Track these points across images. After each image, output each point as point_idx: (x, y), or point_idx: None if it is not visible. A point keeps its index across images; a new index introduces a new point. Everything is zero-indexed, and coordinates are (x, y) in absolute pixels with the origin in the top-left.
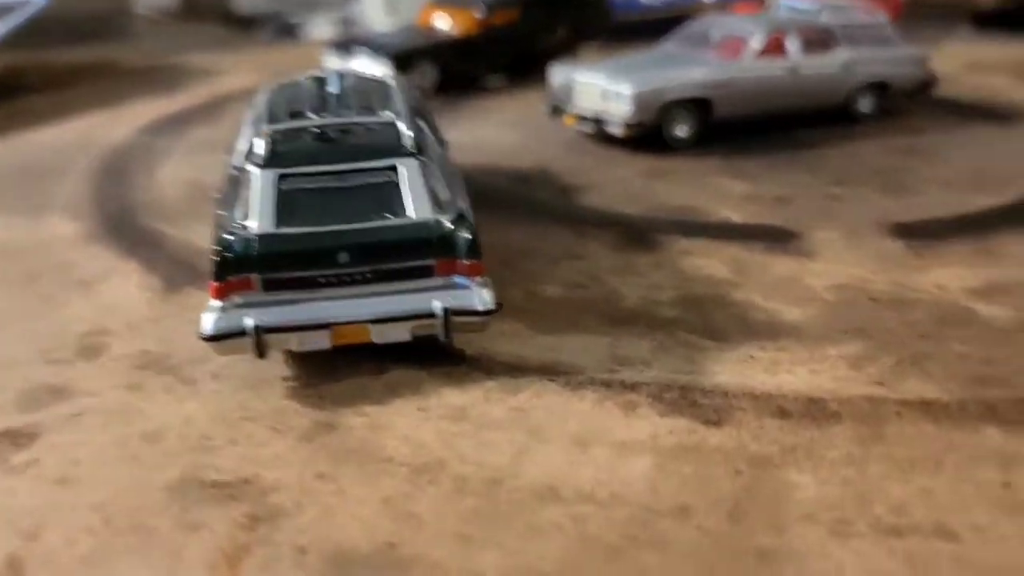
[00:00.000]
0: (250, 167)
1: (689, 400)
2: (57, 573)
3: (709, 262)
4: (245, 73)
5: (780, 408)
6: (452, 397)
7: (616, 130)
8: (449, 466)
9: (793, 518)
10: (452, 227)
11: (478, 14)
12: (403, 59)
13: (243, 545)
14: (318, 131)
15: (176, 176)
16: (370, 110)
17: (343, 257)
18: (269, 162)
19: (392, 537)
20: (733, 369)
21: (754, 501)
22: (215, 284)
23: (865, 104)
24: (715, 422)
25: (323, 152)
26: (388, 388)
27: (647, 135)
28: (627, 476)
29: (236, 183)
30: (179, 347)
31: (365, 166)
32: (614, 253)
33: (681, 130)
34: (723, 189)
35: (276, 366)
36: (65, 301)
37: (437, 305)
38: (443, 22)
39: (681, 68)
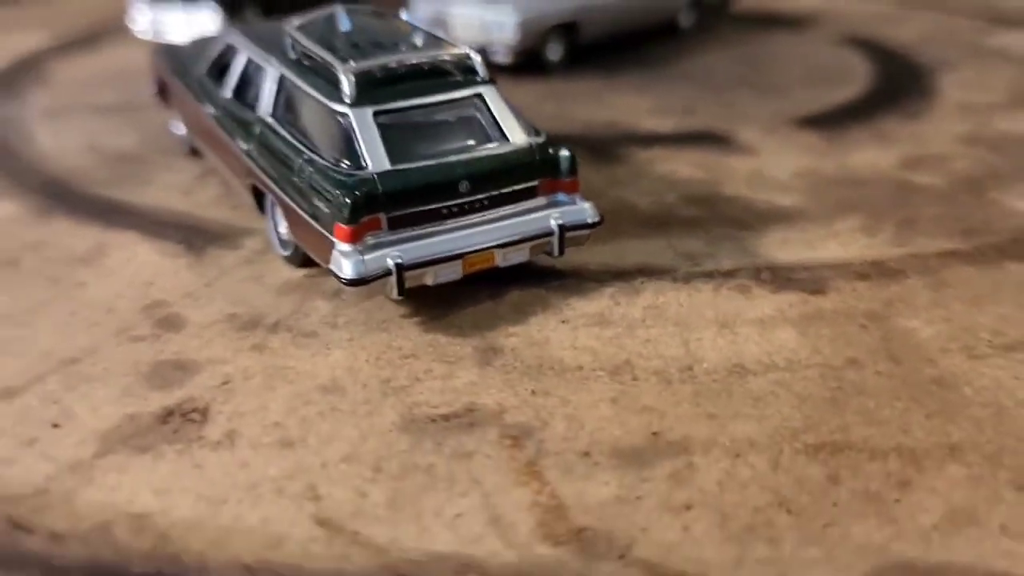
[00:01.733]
0: (340, 107)
1: (784, 277)
2: (374, 522)
3: (680, 167)
4: (35, 31)
5: (857, 273)
6: (584, 306)
7: (502, 58)
8: (636, 364)
9: (934, 352)
10: (553, 148)
11: None
12: (233, 5)
13: (529, 460)
14: (394, 67)
15: (68, 145)
16: (396, 46)
17: (464, 186)
18: (360, 100)
19: (650, 428)
20: (784, 250)
21: (897, 346)
22: (348, 227)
23: (686, 19)
24: (818, 291)
25: (409, 87)
26: (516, 308)
27: (527, 61)
28: (785, 345)
29: (285, 127)
30: (262, 306)
31: (452, 97)
32: (591, 169)
33: (554, 53)
34: (630, 105)
35: (386, 306)
36: (79, 282)
37: (553, 223)
38: None
39: None
